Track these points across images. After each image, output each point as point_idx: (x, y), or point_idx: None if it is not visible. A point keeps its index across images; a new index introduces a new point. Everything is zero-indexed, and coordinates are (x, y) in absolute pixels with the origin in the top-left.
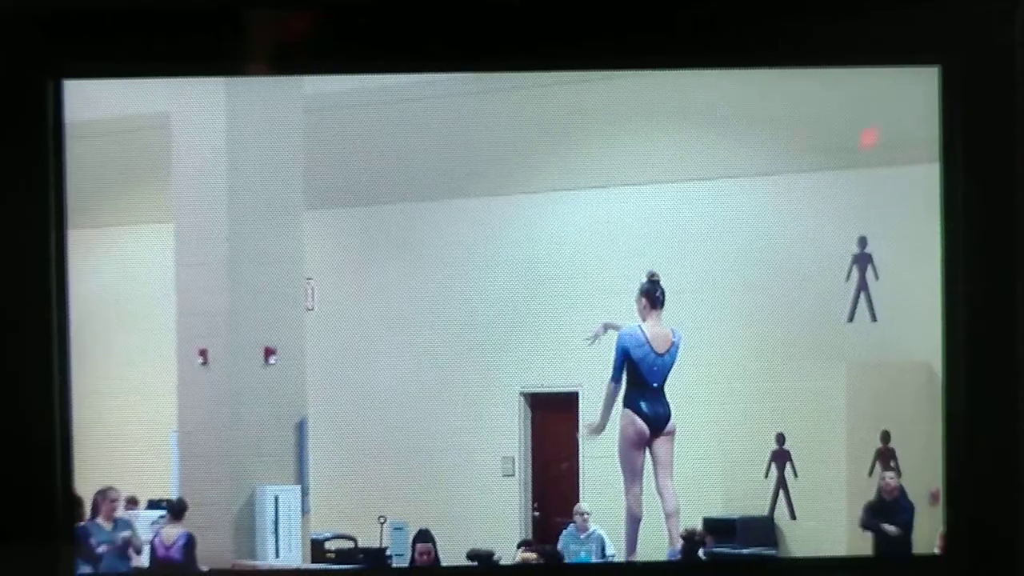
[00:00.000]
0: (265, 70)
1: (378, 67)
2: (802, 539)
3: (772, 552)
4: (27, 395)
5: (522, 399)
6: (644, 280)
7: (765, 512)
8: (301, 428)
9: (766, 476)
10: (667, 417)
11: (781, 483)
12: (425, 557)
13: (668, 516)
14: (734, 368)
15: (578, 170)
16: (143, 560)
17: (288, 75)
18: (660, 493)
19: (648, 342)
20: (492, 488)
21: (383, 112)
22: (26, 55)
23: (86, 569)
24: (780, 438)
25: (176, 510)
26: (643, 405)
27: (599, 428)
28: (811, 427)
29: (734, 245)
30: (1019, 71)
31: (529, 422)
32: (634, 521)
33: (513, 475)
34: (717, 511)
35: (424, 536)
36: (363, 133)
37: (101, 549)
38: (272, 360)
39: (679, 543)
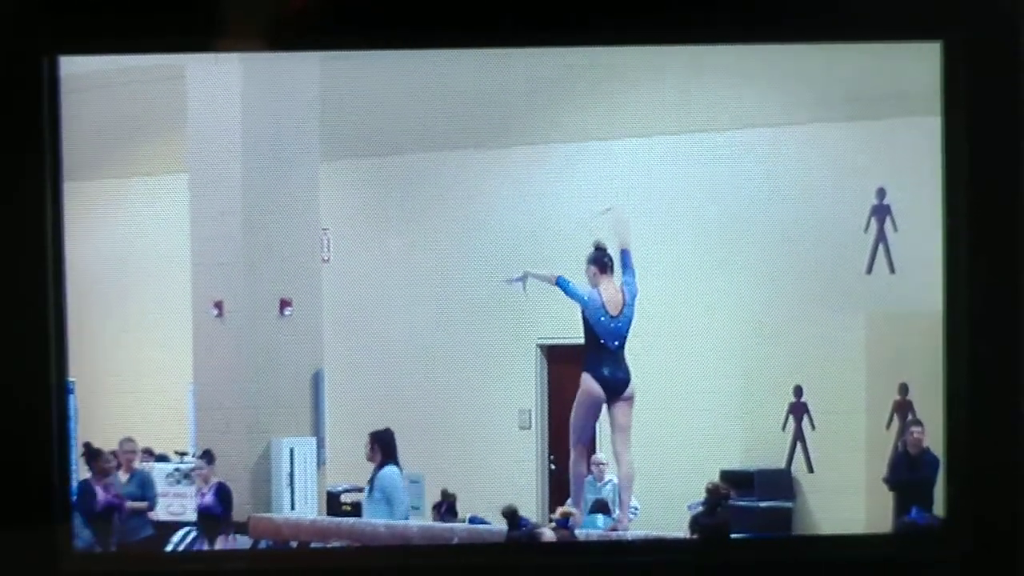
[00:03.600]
0: (263, 46)
1: (377, 44)
2: (820, 491)
3: (789, 505)
4: (22, 381)
5: (539, 351)
6: (591, 250)
7: (783, 464)
8: (317, 380)
9: (783, 428)
10: (626, 381)
11: (799, 435)
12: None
13: (621, 483)
14: (752, 320)
15: (596, 122)
16: (159, 514)
17: (285, 51)
18: (616, 459)
19: (603, 305)
20: (509, 440)
21: (400, 62)
22: (20, 31)
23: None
24: (798, 390)
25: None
26: (602, 368)
27: (517, 279)
28: (829, 379)
29: (753, 196)
30: (1022, 47)
31: (546, 374)
32: (579, 478)
33: (530, 427)
34: (735, 464)
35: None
36: (379, 83)
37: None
38: (288, 312)
39: (629, 512)
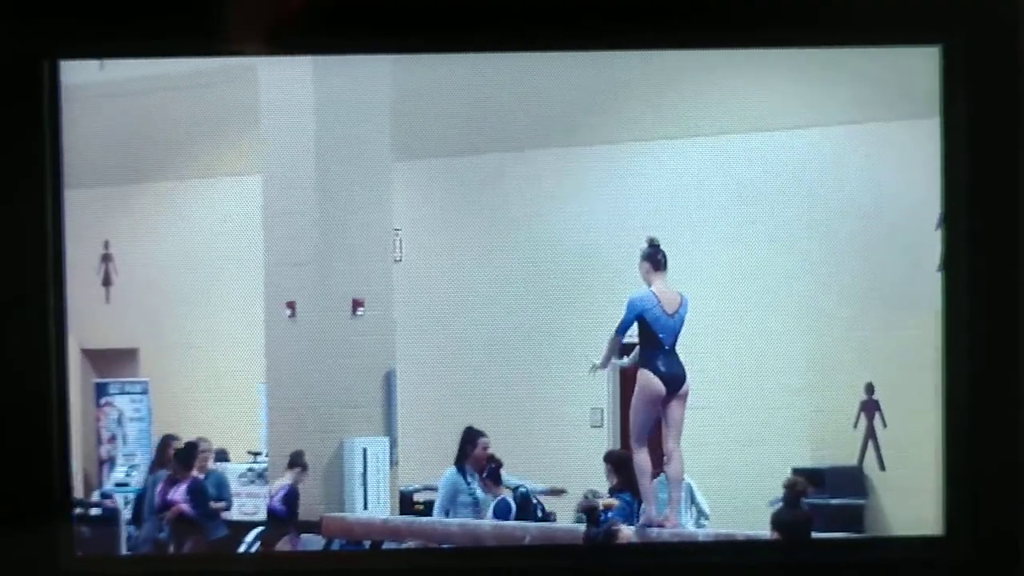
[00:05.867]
0: (267, 50)
1: (382, 47)
2: (891, 489)
3: (861, 502)
4: (24, 381)
5: None
6: (645, 246)
7: (854, 462)
8: (389, 380)
9: (855, 426)
10: (683, 378)
11: (870, 433)
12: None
13: (671, 481)
14: (823, 317)
15: (666, 121)
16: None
17: (290, 55)
18: (668, 456)
19: (659, 304)
20: (581, 438)
21: (471, 60)
22: (21, 35)
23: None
24: (869, 388)
25: (292, 462)
26: (659, 365)
27: (601, 365)
28: (901, 376)
29: (824, 193)
30: (1021, 51)
31: (618, 372)
32: (644, 476)
33: (601, 426)
34: (806, 461)
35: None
36: (451, 82)
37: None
38: (360, 312)
39: (676, 509)
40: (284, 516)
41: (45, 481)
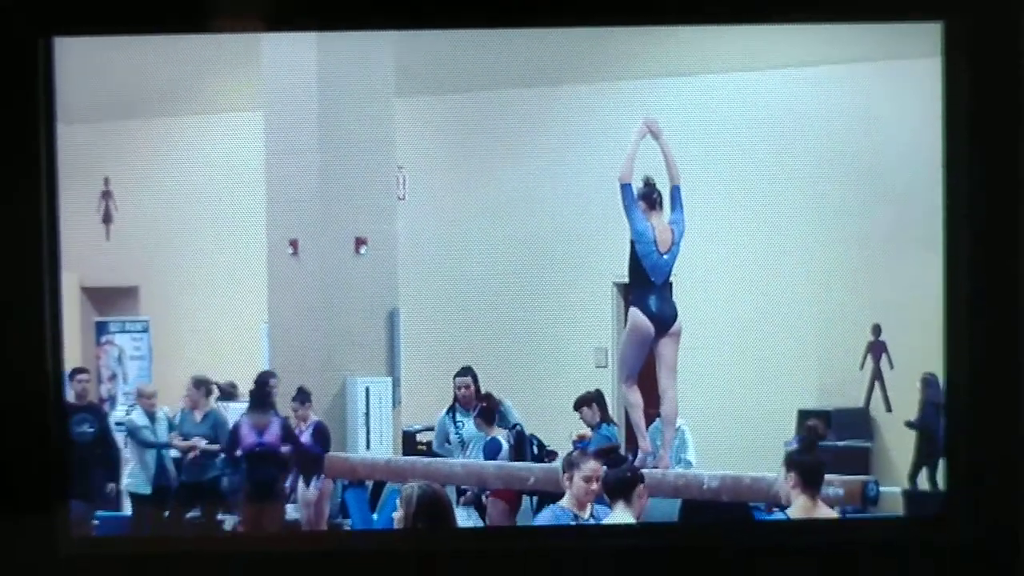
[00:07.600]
0: (264, 27)
1: (379, 23)
2: (897, 431)
3: (867, 444)
4: (20, 365)
5: (615, 289)
6: (640, 185)
7: (860, 404)
8: (392, 319)
9: (861, 367)
10: (673, 316)
11: (877, 374)
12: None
13: (664, 421)
14: (831, 258)
15: (674, 57)
16: None
17: (288, 32)
18: (661, 395)
19: (654, 241)
20: (585, 379)
21: None
22: (15, 13)
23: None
24: (876, 329)
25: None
26: (650, 303)
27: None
28: (908, 318)
29: (834, 132)
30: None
31: (622, 313)
32: (636, 409)
33: (606, 366)
34: (812, 403)
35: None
36: None
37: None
38: (363, 250)
39: (669, 450)
40: (318, 453)
41: (42, 465)
